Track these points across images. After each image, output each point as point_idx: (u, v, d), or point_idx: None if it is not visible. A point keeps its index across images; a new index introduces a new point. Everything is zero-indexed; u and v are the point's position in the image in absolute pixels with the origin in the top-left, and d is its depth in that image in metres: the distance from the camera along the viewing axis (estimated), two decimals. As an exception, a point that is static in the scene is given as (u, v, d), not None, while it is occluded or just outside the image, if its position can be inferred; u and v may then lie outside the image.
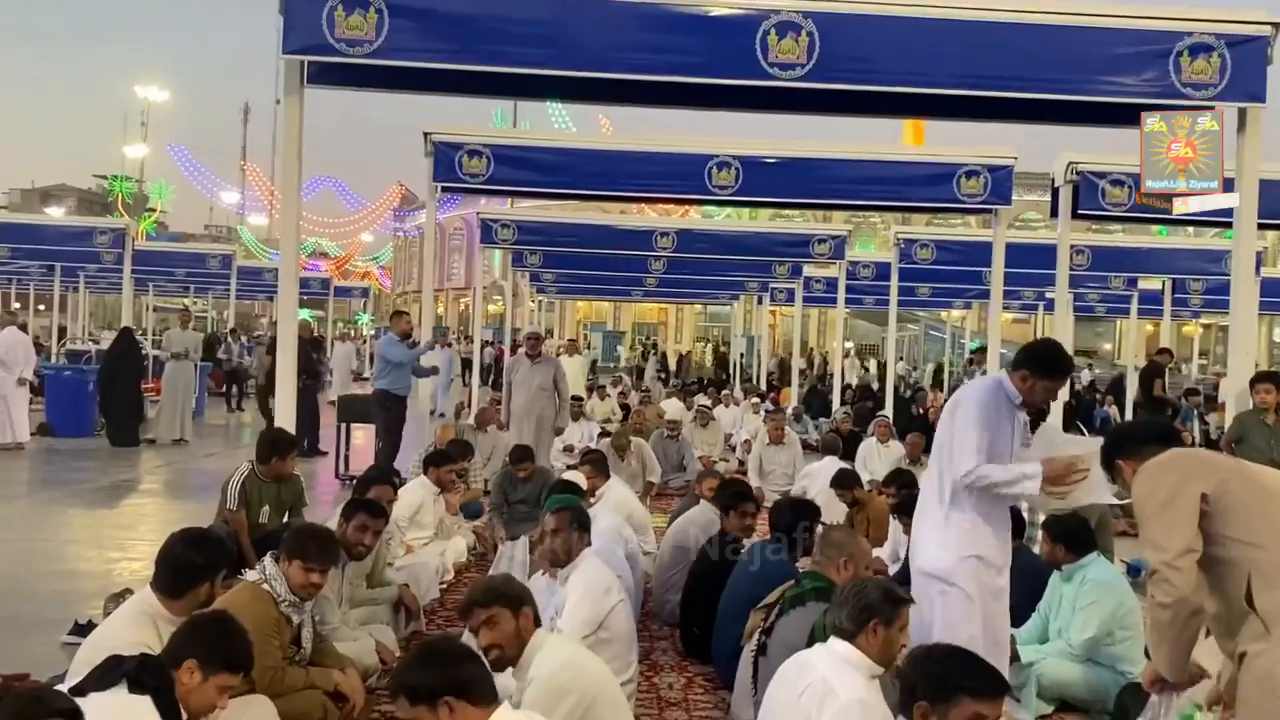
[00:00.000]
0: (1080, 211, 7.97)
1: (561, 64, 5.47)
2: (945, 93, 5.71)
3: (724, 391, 17.72)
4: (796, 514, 4.54)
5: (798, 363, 19.41)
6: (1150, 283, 16.18)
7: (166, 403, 13.00)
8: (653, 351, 20.90)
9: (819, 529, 4.46)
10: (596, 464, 6.67)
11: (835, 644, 2.86)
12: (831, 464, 7.67)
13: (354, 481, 6.51)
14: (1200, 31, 5.40)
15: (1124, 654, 4.30)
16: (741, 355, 26.13)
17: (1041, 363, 3.62)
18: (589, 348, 36.05)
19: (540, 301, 23.94)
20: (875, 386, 13.92)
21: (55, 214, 42.57)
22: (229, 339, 20.24)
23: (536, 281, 19.40)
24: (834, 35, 5.25)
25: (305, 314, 23.66)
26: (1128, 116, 6.25)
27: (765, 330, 24.82)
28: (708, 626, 4.55)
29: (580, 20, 5.28)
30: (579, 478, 6.29)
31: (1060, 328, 8.87)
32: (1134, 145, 5.60)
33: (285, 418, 5.68)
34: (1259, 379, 6.59)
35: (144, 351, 14.94)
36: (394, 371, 9.34)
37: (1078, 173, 7.75)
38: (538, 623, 3.15)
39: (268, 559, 3.73)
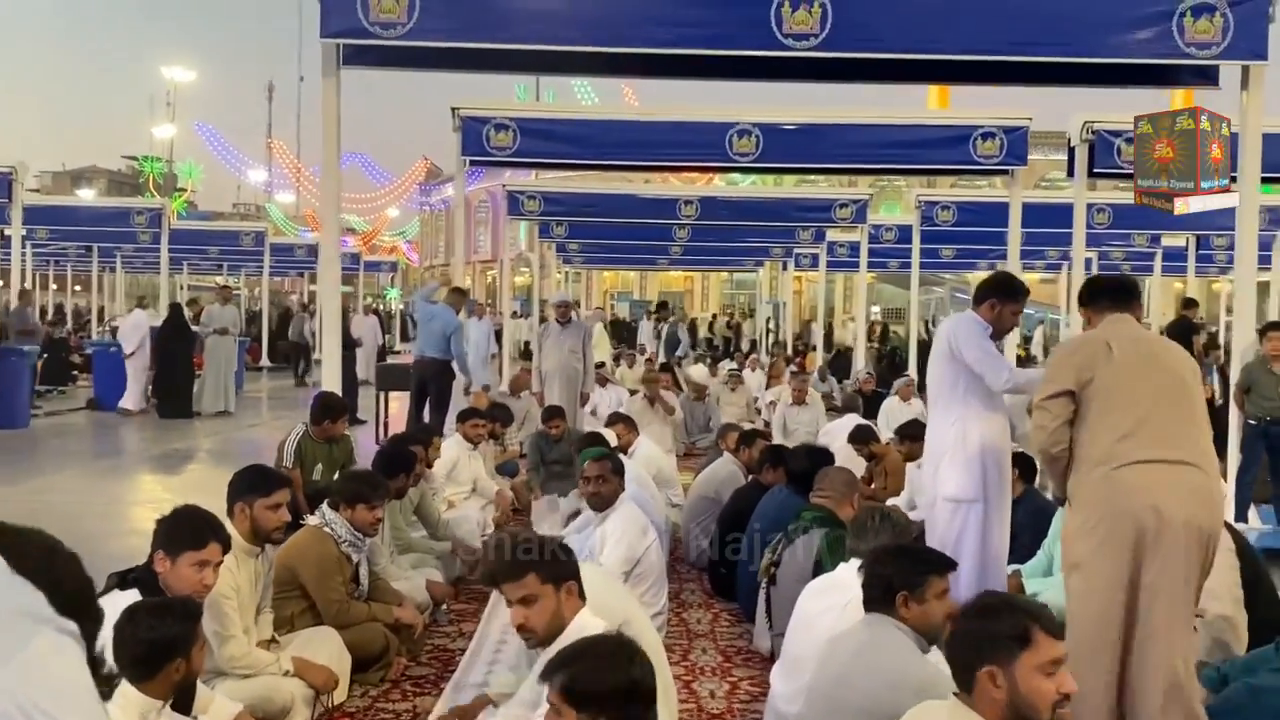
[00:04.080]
0: (1096, 170, 8.14)
1: (582, 40, 5.77)
2: (954, 58, 5.92)
3: (750, 355, 17.97)
4: (812, 460, 4.84)
5: (820, 328, 19.59)
6: (1174, 239, 16.05)
7: (209, 376, 13.44)
8: (680, 321, 20.49)
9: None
10: (627, 422, 7.04)
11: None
12: (851, 421, 7.93)
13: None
14: (1205, -9, 5.57)
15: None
16: (769, 320, 26.17)
17: (1002, 289, 4.19)
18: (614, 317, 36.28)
19: (566, 272, 24.18)
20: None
21: (87, 196, 43.18)
22: (303, 313, 20.62)
23: (562, 252, 19.63)
24: (846, 5, 5.46)
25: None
26: (1133, 77, 6.45)
27: (790, 296, 24.91)
28: (734, 568, 4.88)
29: (600, -3, 5.57)
30: (610, 435, 6.62)
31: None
32: (1147, 105, 5.81)
33: (332, 383, 6.08)
34: (1269, 327, 6.75)
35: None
36: (439, 335, 9.12)
37: (1093, 132, 7.89)
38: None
39: (325, 506, 4.09)
